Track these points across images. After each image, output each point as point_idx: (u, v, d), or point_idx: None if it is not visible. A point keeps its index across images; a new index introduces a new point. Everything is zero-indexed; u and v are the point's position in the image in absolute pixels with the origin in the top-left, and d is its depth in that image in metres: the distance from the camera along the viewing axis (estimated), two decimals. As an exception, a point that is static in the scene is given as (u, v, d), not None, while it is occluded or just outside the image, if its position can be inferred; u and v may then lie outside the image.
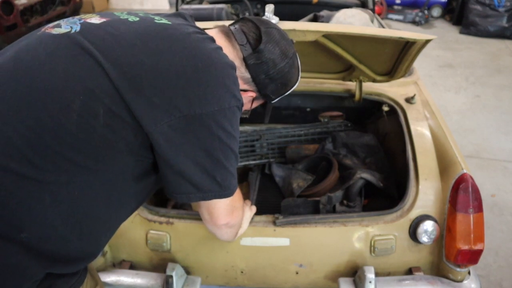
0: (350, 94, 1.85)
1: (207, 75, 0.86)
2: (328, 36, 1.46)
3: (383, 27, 2.55)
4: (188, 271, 1.46)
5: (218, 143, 0.88)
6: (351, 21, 2.15)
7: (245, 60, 1.00)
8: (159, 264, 1.46)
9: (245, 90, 1.04)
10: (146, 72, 0.82)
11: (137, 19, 0.93)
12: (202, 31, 0.97)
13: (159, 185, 1.01)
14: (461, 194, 1.35)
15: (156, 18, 0.95)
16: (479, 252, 1.35)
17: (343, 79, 1.81)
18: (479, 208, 1.35)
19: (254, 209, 1.43)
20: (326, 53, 1.61)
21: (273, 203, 1.76)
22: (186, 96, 0.83)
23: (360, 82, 1.78)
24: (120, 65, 0.82)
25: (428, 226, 1.37)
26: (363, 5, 2.92)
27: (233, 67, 0.93)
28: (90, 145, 0.81)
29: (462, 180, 1.37)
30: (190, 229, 1.43)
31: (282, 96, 1.13)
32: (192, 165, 0.87)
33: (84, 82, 0.80)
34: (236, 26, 1.04)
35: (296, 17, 2.19)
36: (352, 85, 1.82)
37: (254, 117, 2.12)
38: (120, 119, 0.81)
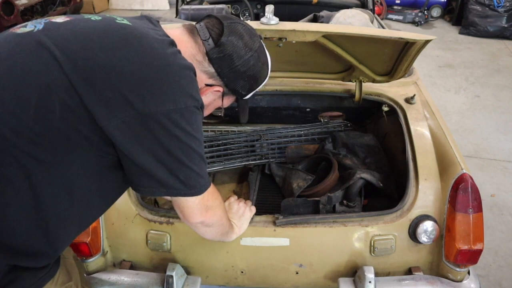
0: (350, 94, 1.85)
1: (162, 74, 0.86)
2: (328, 36, 1.46)
3: (382, 27, 2.55)
4: (188, 271, 1.46)
5: (177, 142, 0.88)
6: (351, 22, 2.15)
7: (207, 54, 1.00)
8: (159, 264, 1.47)
9: (211, 85, 1.04)
10: (100, 67, 0.83)
11: (99, 18, 0.94)
12: (163, 34, 0.97)
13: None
14: (460, 194, 1.36)
15: (118, 18, 0.96)
16: (479, 252, 1.35)
17: (343, 79, 1.82)
18: (478, 208, 1.36)
19: (253, 209, 1.44)
20: (326, 53, 1.62)
21: (273, 203, 1.76)
22: (140, 93, 0.83)
23: (360, 82, 1.79)
24: (74, 59, 0.83)
25: (427, 226, 1.37)
26: (362, 5, 2.92)
27: (190, 68, 0.93)
28: (48, 140, 0.82)
29: (461, 180, 1.37)
30: (190, 229, 1.41)
31: (253, 92, 1.13)
32: (153, 161, 0.88)
33: (40, 76, 0.82)
34: (201, 23, 1.05)
35: (296, 18, 2.19)
36: (352, 85, 1.82)
37: (254, 117, 2.14)
38: (76, 114, 0.82)
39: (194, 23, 1.08)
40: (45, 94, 0.81)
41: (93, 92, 0.81)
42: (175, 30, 1.03)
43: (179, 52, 0.95)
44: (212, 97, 1.08)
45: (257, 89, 1.13)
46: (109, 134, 0.84)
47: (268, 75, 1.14)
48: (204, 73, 1.02)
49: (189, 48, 1.00)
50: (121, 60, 0.85)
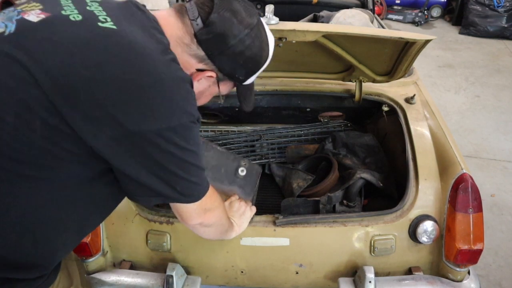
0: (350, 94, 1.85)
1: (152, 91, 0.78)
2: (328, 36, 1.46)
3: (382, 27, 2.55)
4: (188, 271, 1.46)
5: (172, 158, 0.84)
6: (351, 22, 2.15)
7: (196, 35, 0.90)
8: (160, 264, 1.47)
9: (202, 70, 0.94)
10: (83, 85, 0.75)
11: (79, 18, 0.82)
12: (154, 33, 0.86)
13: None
14: (460, 194, 1.36)
15: (101, 17, 0.83)
16: (479, 252, 1.35)
17: (343, 79, 1.82)
18: (478, 208, 1.36)
19: (254, 209, 1.43)
20: (326, 53, 1.62)
21: (273, 203, 1.76)
22: (129, 112, 0.77)
23: (360, 82, 1.79)
24: (54, 77, 0.75)
25: (427, 226, 1.37)
26: (362, 5, 2.92)
27: (184, 80, 0.84)
28: (31, 156, 0.77)
29: (461, 180, 1.37)
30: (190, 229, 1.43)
31: (253, 76, 1.01)
32: (147, 174, 0.84)
33: (17, 93, 0.75)
34: (192, 1, 0.93)
35: (296, 18, 2.19)
36: (352, 85, 1.82)
37: (254, 117, 2.14)
38: (59, 132, 0.76)
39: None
40: (23, 112, 0.75)
41: (76, 112, 0.75)
42: (162, 11, 0.93)
43: (174, 60, 0.86)
44: (206, 84, 0.99)
45: (258, 73, 1.01)
46: (98, 151, 0.79)
47: (270, 57, 1.00)
48: (193, 57, 0.92)
49: (175, 30, 0.90)
50: (107, 77, 0.76)
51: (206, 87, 1.00)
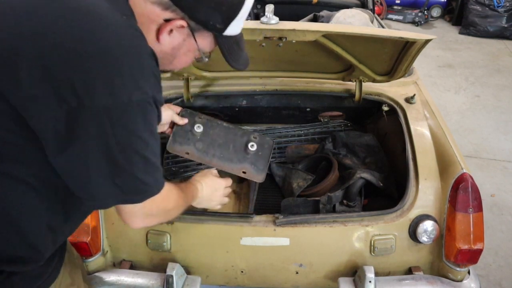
0: (350, 94, 1.85)
1: (98, 60, 0.69)
2: (328, 36, 1.46)
3: (382, 27, 2.55)
4: (188, 271, 1.46)
5: (115, 145, 0.72)
6: (351, 21, 2.15)
7: None
8: (159, 264, 1.47)
9: (169, 20, 0.82)
10: (22, 60, 0.68)
11: None
12: None
13: None
14: (460, 193, 1.36)
15: None
16: (479, 251, 1.35)
17: (343, 79, 1.82)
18: (478, 208, 1.36)
19: (228, 189, 1.34)
20: (326, 53, 1.62)
21: (273, 203, 1.76)
22: (72, 85, 0.68)
23: (360, 82, 1.79)
24: None
25: (427, 225, 1.37)
26: (362, 5, 2.92)
27: (141, 48, 0.74)
28: None
29: (461, 180, 1.37)
30: (190, 229, 1.43)
31: (233, 23, 0.86)
32: (84, 162, 0.73)
33: None
34: None
35: (296, 17, 2.19)
36: (352, 85, 1.82)
37: (254, 117, 2.14)
38: (9, 117, 0.70)
39: None
40: None
41: (18, 91, 0.69)
42: None
43: (132, 26, 0.76)
44: (180, 37, 0.86)
45: (238, 19, 0.86)
46: (41, 137, 0.72)
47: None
48: (157, 5, 0.80)
49: None
50: (49, 48, 0.68)
51: (181, 41, 0.87)
